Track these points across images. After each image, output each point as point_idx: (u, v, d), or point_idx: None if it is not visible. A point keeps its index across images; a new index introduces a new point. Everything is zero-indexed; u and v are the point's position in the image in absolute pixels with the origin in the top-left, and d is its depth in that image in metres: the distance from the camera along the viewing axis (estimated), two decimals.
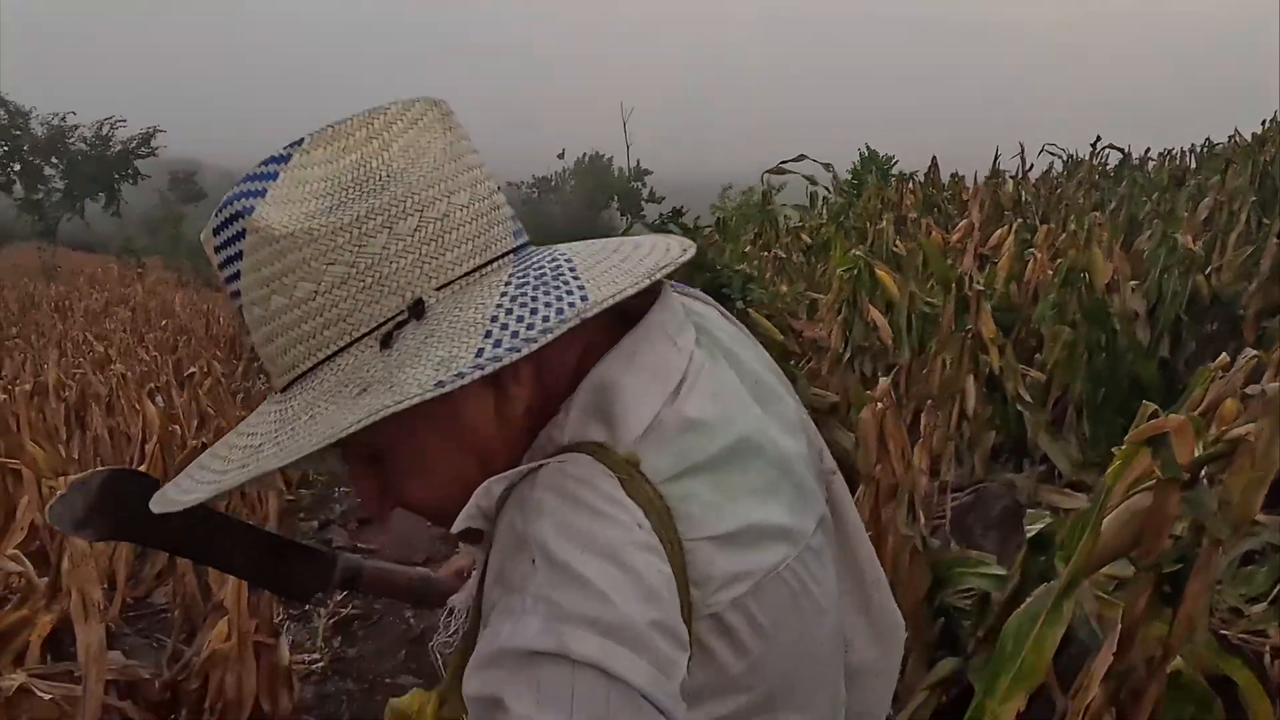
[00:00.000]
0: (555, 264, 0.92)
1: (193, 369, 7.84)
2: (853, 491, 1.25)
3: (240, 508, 5.67)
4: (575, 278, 0.90)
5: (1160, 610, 2.04)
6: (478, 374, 0.80)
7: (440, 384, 0.80)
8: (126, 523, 1.19)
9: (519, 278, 0.90)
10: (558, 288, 0.88)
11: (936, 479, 4.67)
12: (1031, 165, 13.62)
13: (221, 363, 10.41)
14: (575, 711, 0.72)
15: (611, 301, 0.87)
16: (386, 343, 0.85)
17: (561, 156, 47.14)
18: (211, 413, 7.09)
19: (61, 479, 3.84)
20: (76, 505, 1.16)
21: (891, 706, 2.99)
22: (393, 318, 0.86)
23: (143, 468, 5.24)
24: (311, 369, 0.88)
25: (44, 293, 20.87)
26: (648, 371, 0.91)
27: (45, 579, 3.81)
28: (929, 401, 4.84)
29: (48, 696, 2.50)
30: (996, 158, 13.04)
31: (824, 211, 13.76)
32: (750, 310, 6.70)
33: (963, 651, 2.92)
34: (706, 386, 0.93)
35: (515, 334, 0.83)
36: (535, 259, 0.94)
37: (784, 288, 7.84)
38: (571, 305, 0.86)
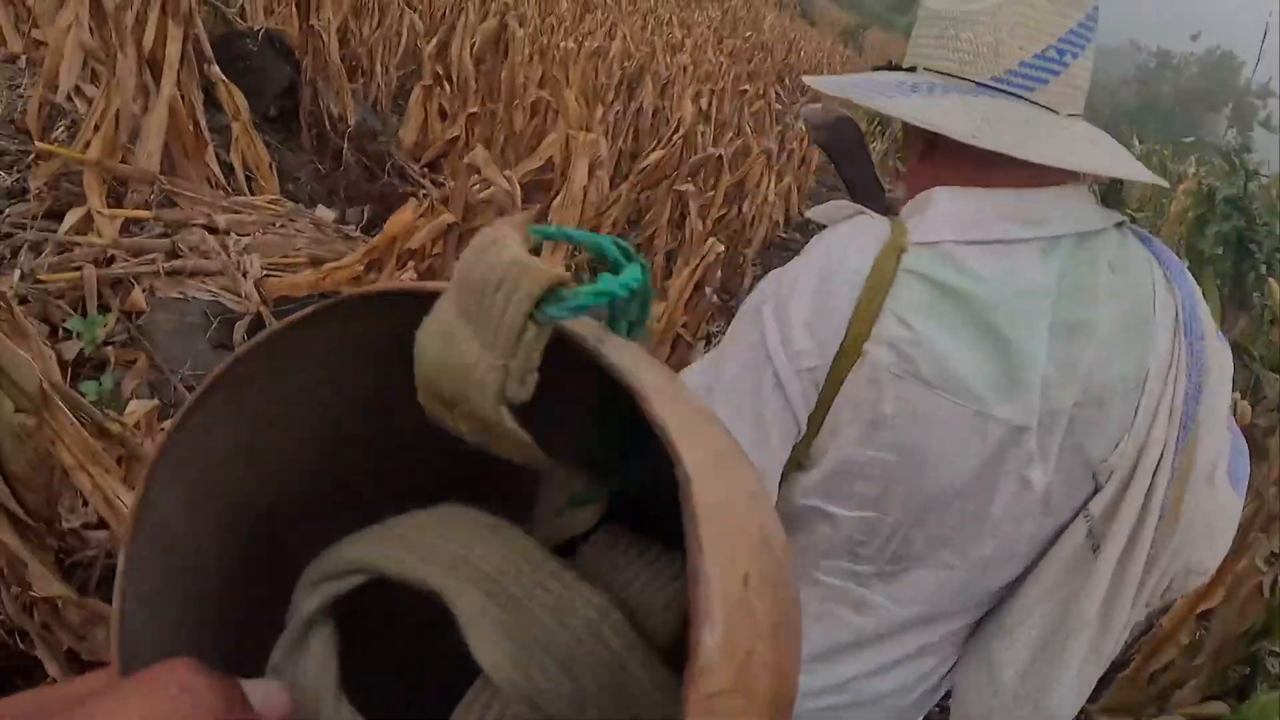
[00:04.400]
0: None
1: (747, 87, 7.92)
2: None
3: None
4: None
5: None
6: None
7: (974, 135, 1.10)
8: (841, 148, 1.51)
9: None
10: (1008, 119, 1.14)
11: None
12: None
13: (782, 93, 10.50)
14: None
15: (1020, 153, 1.09)
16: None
17: (1195, 39, 43.14)
18: (749, 130, 7.18)
19: (585, 134, 4.03)
20: (828, 117, 1.46)
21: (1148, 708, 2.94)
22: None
23: (657, 155, 5.43)
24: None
25: None
26: (968, 209, 1.12)
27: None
28: None
29: None
30: None
31: None
32: (1271, 280, 5.92)
33: (1239, 702, 2.83)
34: (998, 261, 1.09)
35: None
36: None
37: None
38: (972, 136, 1.10)
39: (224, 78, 4.12)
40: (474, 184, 2.72)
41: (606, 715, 0.39)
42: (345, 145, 5.40)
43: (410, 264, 2.94)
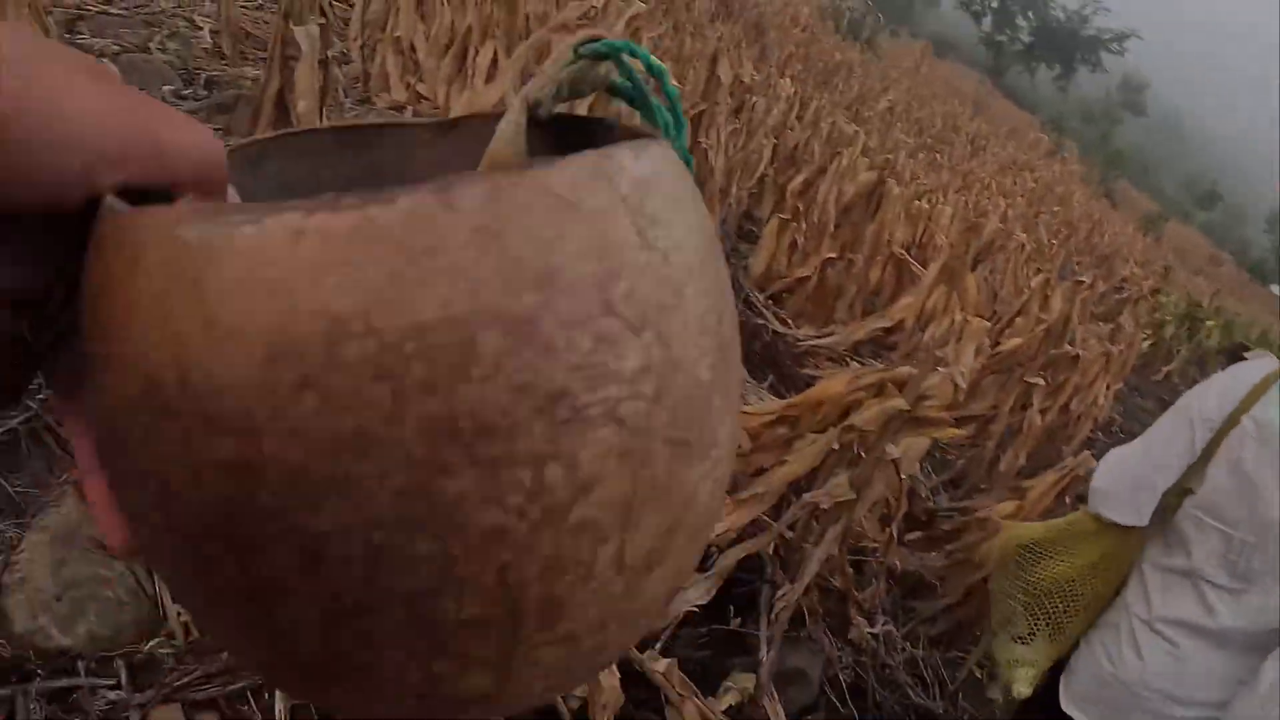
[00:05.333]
0: None
1: (1083, 277, 7.74)
2: None
3: None
4: None
5: None
6: None
7: None
8: None
9: None
10: None
11: None
12: None
13: (1103, 280, 10.24)
14: None
15: None
16: None
17: None
18: (1075, 323, 7.01)
19: (978, 319, 3.98)
20: None
21: None
22: None
23: (1015, 342, 5.33)
24: None
25: (966, 122, 21.62)
26: None
27: None
28: None
29: None
30: None
31: None
32: None
33: None
34: None
35: None
36: None
37: None
38: None
39: None
40: (933, 368, 2.65)
41: None
42: None
43: (830, 429, 2.92)
